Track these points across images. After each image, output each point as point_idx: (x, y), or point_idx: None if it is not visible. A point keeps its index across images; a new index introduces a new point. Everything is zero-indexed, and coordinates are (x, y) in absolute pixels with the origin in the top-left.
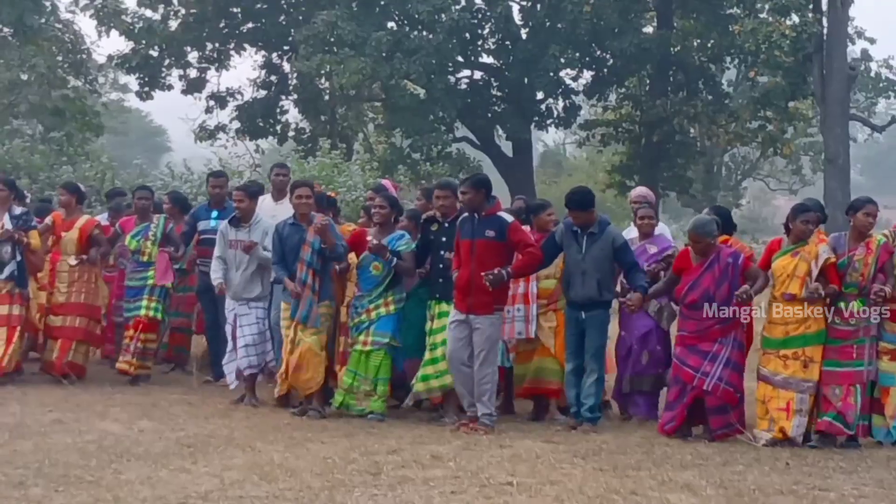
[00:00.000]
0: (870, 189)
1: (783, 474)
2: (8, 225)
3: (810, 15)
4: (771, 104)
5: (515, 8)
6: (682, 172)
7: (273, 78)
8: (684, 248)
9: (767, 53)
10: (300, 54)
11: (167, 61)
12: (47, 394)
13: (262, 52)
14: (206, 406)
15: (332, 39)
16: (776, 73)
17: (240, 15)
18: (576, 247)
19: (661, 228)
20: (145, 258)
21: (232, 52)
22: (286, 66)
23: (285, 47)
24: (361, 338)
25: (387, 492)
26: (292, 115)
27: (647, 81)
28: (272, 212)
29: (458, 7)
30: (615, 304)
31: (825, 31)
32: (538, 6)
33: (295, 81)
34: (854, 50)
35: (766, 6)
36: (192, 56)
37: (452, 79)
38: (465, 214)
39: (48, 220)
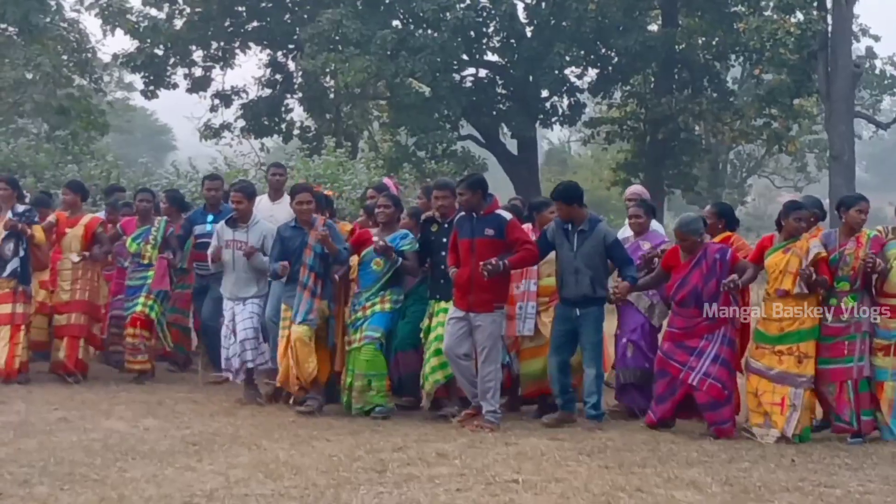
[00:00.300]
0: (875, 186)
1: (789, 471)
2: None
3: (815, 12)
4: (776, 101)
5: (520, 6)
6: (687, 170)
7: (278, 76)
8: (674, 246)
9: (772, 51)
10: (305, 53)
11: (172, 60)
12: (52, 392)
13: (267, 51)
14: (211, 404)
15: (337, 38)
16: (781, 70)
17: (245, 14)
18: (567, 245)
19: (655, 226)
20: (145, 261)
21: (237, 51)
22: (291, 65)
23: (290, 46)
24: (357, 335)
25: (392, 489)
26: (297, 113)
27: (652, 79)
28: (269, 212)
29: (462, 5)
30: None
31: (830, 28)
32: (543, 4)
33: (300, 80)
34: (859, 47)
35: (771, 4)
36: (198, 55)
37: (457, 77)
38: (462, 214)
39: (52, 217)
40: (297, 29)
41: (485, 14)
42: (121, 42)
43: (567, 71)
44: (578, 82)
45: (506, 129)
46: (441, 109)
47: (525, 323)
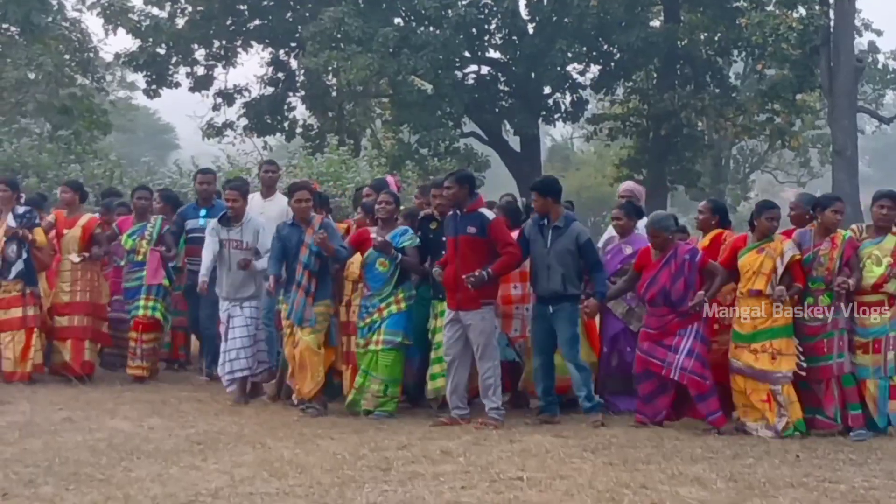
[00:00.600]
0: (878, 180)
1: (793, 467)
2: (12, 224)
3: (817, 7)
4: (778, 97)
5: (522, 3)
6: (690, 166)
7: (280, 75)
8: (646, 247)
9: (775, 46)
10: (307, 51)
11: (174, 59)
12: (57, 392)
13: (270, 49)
14: (215, 403)
15: (339, 36)
16: (783, 65)
17: (246, 12)
18: (541, 241)
19: (641, 229)
20: (140, 257)
21: (239, 50)
22: (293, 63)
23: (292, 44)
24: (375, 337)
25: (397, 487)
26: (300, 111)
27: (655, 75)
28: (261, 209)
29: (464, 2)
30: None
31: (832, 23)
32: (545, 1)
33: (302, 78)
34: (861, 42)
35: None
36: (200, 53)
37: (460, 74)
38: (451, 212)
39: (50, 217)
40: (299, 27)
41: (487, 11)
42: (123, 41)
43: (569, 67)
44: (581, 79)
45: (508, 126)
46: (443, 107)
47: (513, 323)
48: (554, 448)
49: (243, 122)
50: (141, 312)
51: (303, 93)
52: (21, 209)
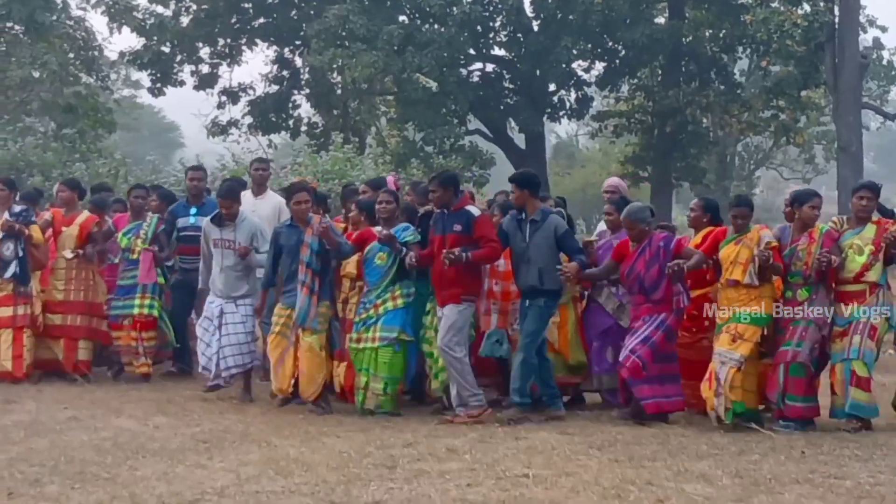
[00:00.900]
0: (883, 176)
1: (799, 463)
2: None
3: (822, 4)
4: (783, 93)
5: (527, 0)
6: (695, 162)
7: (285, 73)
8: (625, 238)
9: (779, 43)
10: (312, 49)
11: (179, 57)
12: (62, 391)
13: (274, 47)
14: (221, 401)
15: (344, 33)
16: (788, 62)
17: (251, 10)
18: (520, 235)
19: None
20: (135, 256)
21: (244, 48)
22: (298, 61)
23: (297, 42)
24: (369, 334)
25: (403, 485)
26: (305, 109)
27: (660, 72)
28: (252, 206)
29: (469, 0)
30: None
31: (837, 19)
32: None
33: (307, 76)
34: (866, 38)
35: None
36: (204, 52)
37: (464, 72)
38: (439, 211)
39: (47, 215)
40: (304, 25)
41: (491, 8)
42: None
43: (574, 64)
44: (586, 76)
45: (513, 124)
46: (448, 104)
47: (508, 318)
48: (560, 445)
49: (248, 120)
50: (136, 311)
51: (307, 91)
52: (17, 208)
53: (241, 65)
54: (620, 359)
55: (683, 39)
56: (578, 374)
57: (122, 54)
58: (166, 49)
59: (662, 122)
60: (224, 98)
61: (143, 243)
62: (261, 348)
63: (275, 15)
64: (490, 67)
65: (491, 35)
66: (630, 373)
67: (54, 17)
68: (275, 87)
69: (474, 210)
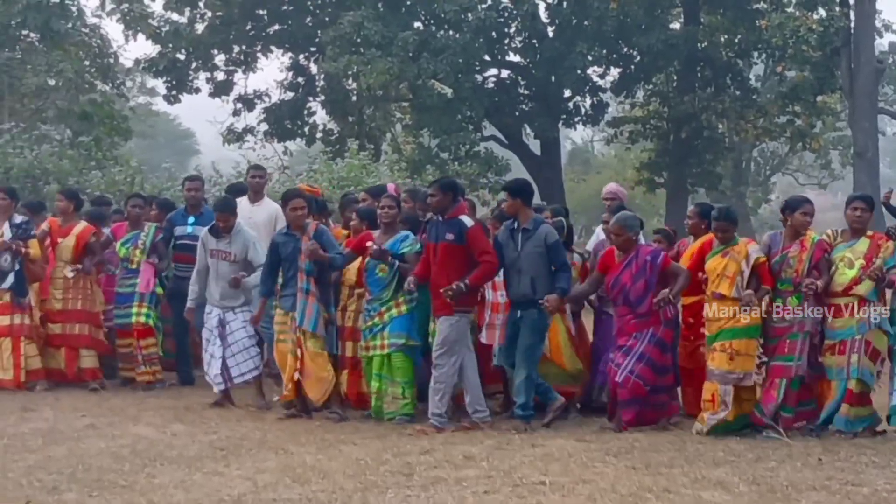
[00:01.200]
0: None
1: (816, 470)
2: (8, 234)
3: (837, 9)
4: (799, 99)
5: (542, 6)
6: (710, 168)
7: (300, 79)
8: (610, 248)
9: (795, 48)
10: (327, 55)
11: (194, 64)
12: (80, 399)
13: (289, 54)
14: (238, 409)
15: (359, 40)
16: (804, 67)
17: (266, 17)
18: (512, 245)
19: None
20: (133, 265)
21: (259, 55)
22: (313, 68)
23: (312, 49)
24: (377, 342)
25: (420, 492)
26: (320, 116)
27: (675, 78)
28: (248, 213)
29: (484, 6)
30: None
31: (852, 24)
32: (564, 4)
33: (322, 83)
34: (882, 43)
35: (793, 0)
36: (219, 59)
37: (480, 78)
38: (434, 218)
39: (45, 225)
40: (319, 32)
41: (506, 14)
42: (143, 47)
43: (589, 70)
44: (601, 82)
45: (529, 130)
46: (464, 111)
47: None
48: (576, 452)
49: (263, 127)
50: (134, 319)
51: (323, 97)
52: (18, 219)
53: (256, 72)
54: (618, 379)
55: (699, 45)
56: (577, 384)
57: (137, 62)
58: (181, 56)
59: (678, 128)
60: (239, 105)
61: (141, 253)
62: (265, 353)
63: (290, 22)
64: (505, 73)
65: (506, 41)
66: (631, 394)
67: (70, 25)
68: (290, 94)
69: (467, 220)
